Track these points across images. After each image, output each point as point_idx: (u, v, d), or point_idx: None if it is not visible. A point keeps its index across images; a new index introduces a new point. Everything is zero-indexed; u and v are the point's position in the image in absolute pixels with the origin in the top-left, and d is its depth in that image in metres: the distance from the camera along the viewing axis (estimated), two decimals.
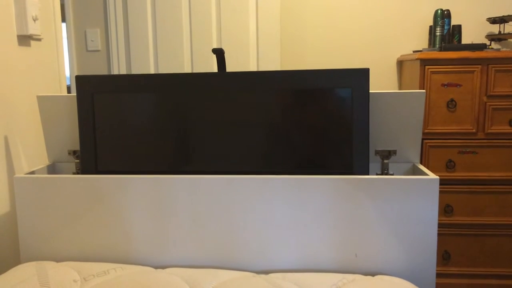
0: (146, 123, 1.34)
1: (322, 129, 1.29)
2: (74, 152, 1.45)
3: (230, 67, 2.44)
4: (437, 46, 2.32)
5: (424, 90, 1.34)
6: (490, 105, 2.11)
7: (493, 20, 2.31)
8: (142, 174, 1.33)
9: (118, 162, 1.36)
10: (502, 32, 2.36)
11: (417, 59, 2.13)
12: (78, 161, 1.45)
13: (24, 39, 1.60)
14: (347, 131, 1.28)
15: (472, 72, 2.10)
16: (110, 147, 1.36)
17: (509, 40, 2.44)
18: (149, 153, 1.35)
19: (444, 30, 2.32)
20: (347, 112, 1.27)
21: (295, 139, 1.30)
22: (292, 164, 1.31)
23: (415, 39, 2.54)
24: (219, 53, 1.36)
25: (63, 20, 2.30)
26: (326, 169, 1.30)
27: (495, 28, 2.47)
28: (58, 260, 1.31)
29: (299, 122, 1.29)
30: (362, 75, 1.26)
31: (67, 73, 2.38)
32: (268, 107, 1.30)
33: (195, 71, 2.48)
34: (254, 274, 1.22)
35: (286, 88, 1.29)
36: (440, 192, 2.17)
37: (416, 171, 1.38)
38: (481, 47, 2.13)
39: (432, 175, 1.22)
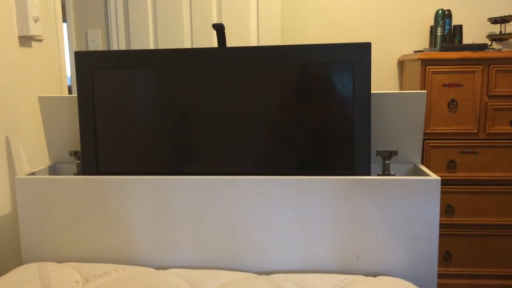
0: (146, 104, 1.33)
1: (324, 105, 1.27)
2: (75, 153, 1.45)
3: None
4: (438, 46, 2.32)
5: (425, 91, 1.34)
6: (491, 105, 2.11)
7: (494, 20, 2.31)
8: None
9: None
10: (503, 32, 2.36)
11: (418, 59, 2.13)
12: (79, 161, 1.45)
13: (25, 40, 1.61)
14: (348, 110, 1.26)
15: (473, 72, 2.10)
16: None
17: (510, 40, 2.43)
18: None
19: (445, 30, 2.32)
20: (348, 88, 1.26)
21: (295, 117, 1.29)
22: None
23: (416, 39, 2.54)
24: (219, 29, 1.35)
25: (64, 20, 2.30)
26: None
27: (496, 28, 2.47)
28: (59, 261, 1.31)
29: (300, 100, 1.28)
30: (364, 49, 1.26)
31: (68, 73, 2.38)
32: (269, 83, 1.29)
33: None
34: (256, 275, 1.22)
35: (287, 63, 1.28)
36: (441, 192, 2.17)
37: (417, 172, 1.38)
38: (482, 47, 2.13)
39: (433, 176, 1.22)
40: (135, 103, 1.33)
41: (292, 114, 1.29)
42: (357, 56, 1.26)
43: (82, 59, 1.33)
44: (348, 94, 1.27)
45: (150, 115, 1.33)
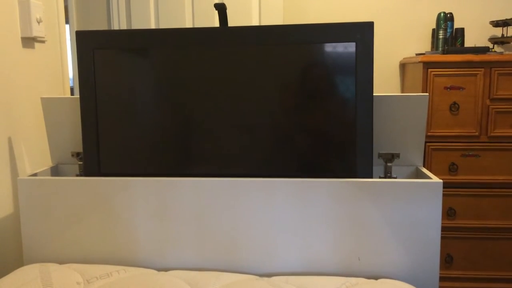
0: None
1: (326, 86, 1.26)
2: (78, 154, 1.45)
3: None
4: (440, 49, 2.32)
5: (427, 93, 1.34)
6: (493, 108, 2.11)
7: (496, 23, 2.31)
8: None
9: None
10: (505, 35, 2.36)
11: (420, 62, 2.13)
12: (81, 163, 1.45)
13: (28, 41, 1.61)
14: (351, 92, 1.25)
15: (475, 75, 2.10)
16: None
17: None
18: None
19: (447, 33, 2.33)
20: (350, 69, 1.25)
21: (296, 98, 1.28)
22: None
23: (417, 42, 2.54)
24: (221, 9, 1.35)
25: (67, 22, 2.31)
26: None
27: (498, 31, 2.47)
28: (61, 262, 1.31)
29: (302, 81, 1.27)
30: (367, 28, 1.24)
31: (71, 74, 2.39)
32: (270, 63, 1.27)
33: None
34: (257, 277, 1.22)
35: (289, 42, 1.26)
36: (443, 195, 2.17)
37: (419, 175, 1.38)
38: (484, 50, 2.13)
39: (435, 179, 1.22)
40: (136, 85, 1.31)
41: (293, 95, 1.28)
42: (360, 35, 1.24)
43: (84, 38, 1.32)
44: (351, 76, 1.26)
45: (152, 103, 1.32)
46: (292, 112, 1.29)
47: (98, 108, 1.34)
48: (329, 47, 1.26)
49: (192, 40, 1.29)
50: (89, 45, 1.32)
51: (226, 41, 1.28)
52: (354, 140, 1.28)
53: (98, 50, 1.32)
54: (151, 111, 1.33)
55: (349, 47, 1.25)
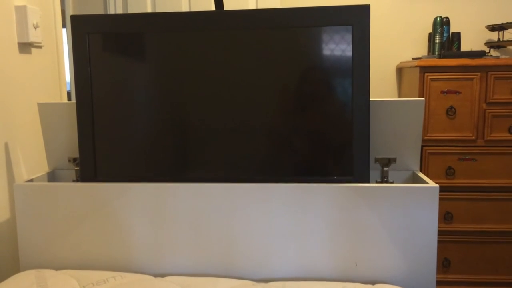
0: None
1: (322, 71, 1.26)
2: (74, 159, 1.45)
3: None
4: (437, 53, 2.33)
5: (423, 98, 1.34)
6: (489, 112, 2.12)
7: (492, 28, 2.32)
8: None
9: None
10: (501, 40, 2.37)
11: (416, 66, 2.14)
12: (78, 168, 1.45)
13: (25, 47, 1.61)
14: (347, 80, 1.25)
15: (472, 79, 2.10)
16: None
17: (508, 47, 2.44)
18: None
19: (444, 38, 2.33)
20: (346, 52, 1.24)
21: (291, 86, 1.27)
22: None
23: (414, 46, 2.55)
24: None
25: (64, 26, 2.30)
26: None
27: (494, 36, 2.48)
28: (57, 268, 1.31)
29: (297, 65, 1.26)
30: (363, 11, 1.24)
31: (68, 79, 2.39)
32: (266, 46, 1.27)
33: None
34: (254, 283, 1.21)
35: (284, 26, 1.25)
36: (440, 199, 2.17)
37: (416, 179, 1.38)
38: (480, 54, 2.14)
39: (432, 183, 1.22)
40: (131, 73, 1.30)
41: (289, 81, 1.28)
42: (356, 18, 1.24)
43: (78, 23, 1.31)
44: (347, 60, 1.25)
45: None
46: (286, 101, 1.28)
47: (94, 103, 1.32)
48: (325, 31, 1.25)
49: (188, 24, 1.28)
50: (84, 29, 1.30)
51: (222, 25, 1.27)
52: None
53: (93, 34, 1.30)
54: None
55: (346, 30, 1.25)
